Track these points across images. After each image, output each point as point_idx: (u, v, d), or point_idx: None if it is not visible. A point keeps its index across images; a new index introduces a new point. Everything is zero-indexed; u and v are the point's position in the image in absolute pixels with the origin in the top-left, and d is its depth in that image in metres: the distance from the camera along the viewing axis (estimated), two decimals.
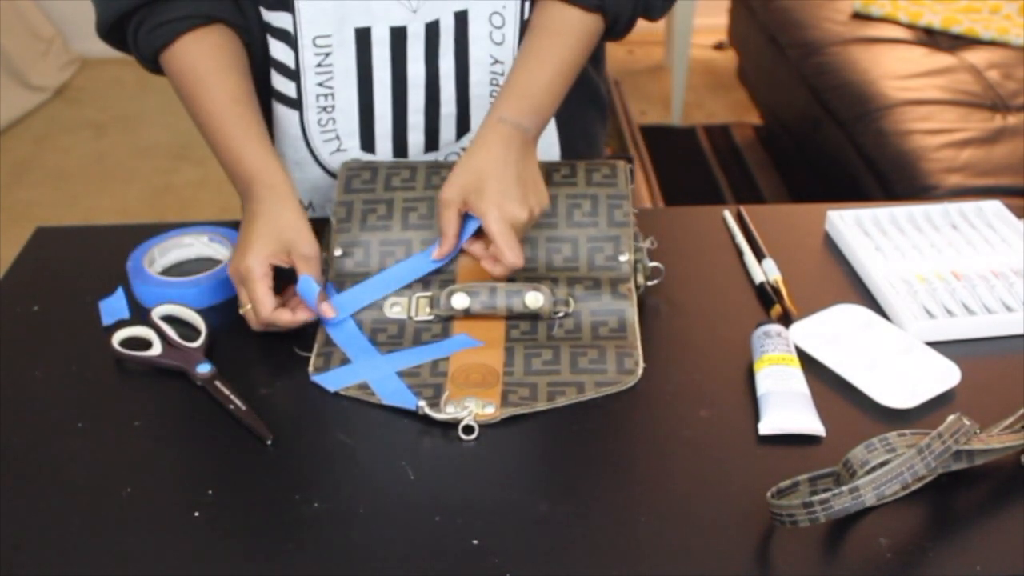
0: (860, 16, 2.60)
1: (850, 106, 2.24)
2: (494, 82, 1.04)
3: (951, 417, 0.73)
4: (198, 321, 0.93)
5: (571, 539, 0.73)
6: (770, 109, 2.88)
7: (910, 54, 2.41)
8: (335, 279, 0.95)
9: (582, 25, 0.97)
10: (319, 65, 0.99)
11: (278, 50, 1.01)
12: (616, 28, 1.00)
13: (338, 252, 0.96)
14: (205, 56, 0.96)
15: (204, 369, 0.88)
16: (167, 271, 1.03)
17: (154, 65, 0.99)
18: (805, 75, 2.46)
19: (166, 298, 0.96)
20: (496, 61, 1.03)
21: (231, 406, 0.84)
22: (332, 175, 1.07)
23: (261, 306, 0.88)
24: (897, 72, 2.30)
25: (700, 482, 0.78)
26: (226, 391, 0.85)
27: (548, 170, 1.01)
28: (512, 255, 0.89)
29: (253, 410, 0.83)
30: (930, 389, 0.85)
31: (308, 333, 0.92)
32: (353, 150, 1.05)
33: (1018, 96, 2.21)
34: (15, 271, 1.04)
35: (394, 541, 0.73)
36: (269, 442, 0.81)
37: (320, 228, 1.04)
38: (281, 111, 1.05)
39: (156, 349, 0.90)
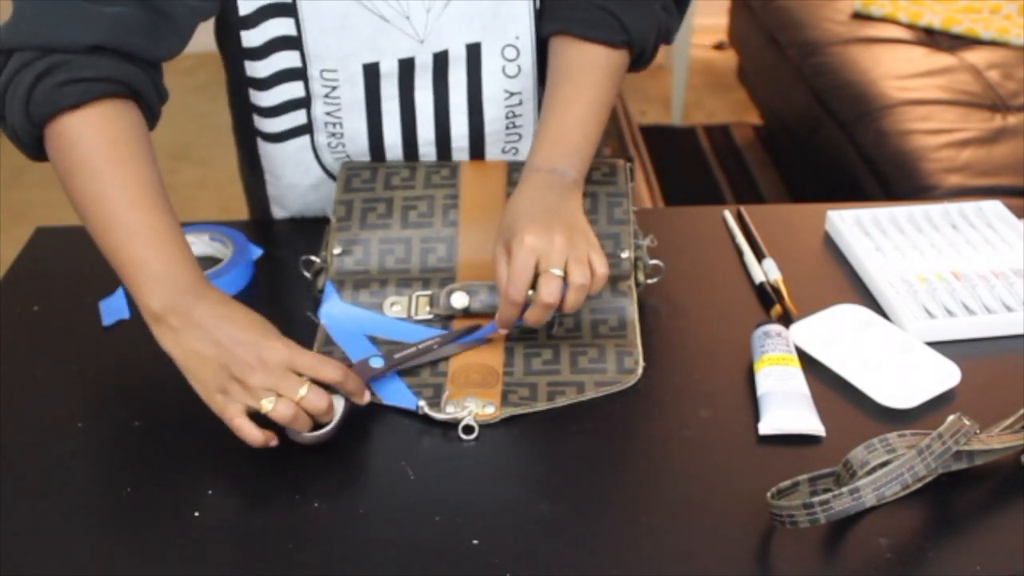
0: (860, 16, 2.59)
1: (850, 106, 2.23)
2: (510, 115, 1.02)
3: (951, 417, 0.73)
4: None
5: (571, 539, 0.73)
6: (770, 109, 2.88)
7: (910, 54, 2.41)
8: (335, 278, 0.95)
9: (608, 62, 0.94)
10: (327, 96, 0.99)
11: (287, 90, 1.00)
12: (642, 59, 0.97)
13: (338, 250, 0.96)
14: (126, 133, 0.82)
15: None
16: None
17: (32, 130, 0.82)
18: (805, 75, 2.46)
19: None
20: (511, 95, 1.01)
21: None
22: None
23: (320, 362, 0.78)
24: (897, 72, 2.29)
25: (700, 482, 0.78)
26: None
27: None
28: (514, 289, 0.81)
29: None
30: (930, 389, 0.85)
31: (309, 333, 0.92)
32: None
33: (1018, 96, 2.21)
34: (15, 271, 1.04)
35: (394, 541, 0.73)
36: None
37: (320, 228, 1.04)
38: (285, 146, 1.04)
39: None
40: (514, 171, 1.01)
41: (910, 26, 2.54)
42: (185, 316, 0.77)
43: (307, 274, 0.99)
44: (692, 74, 3.39)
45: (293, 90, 1.00)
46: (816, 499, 0.69)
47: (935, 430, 0.72)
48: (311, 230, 1.06)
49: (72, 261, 1.06)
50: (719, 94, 3.43)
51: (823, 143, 2.35)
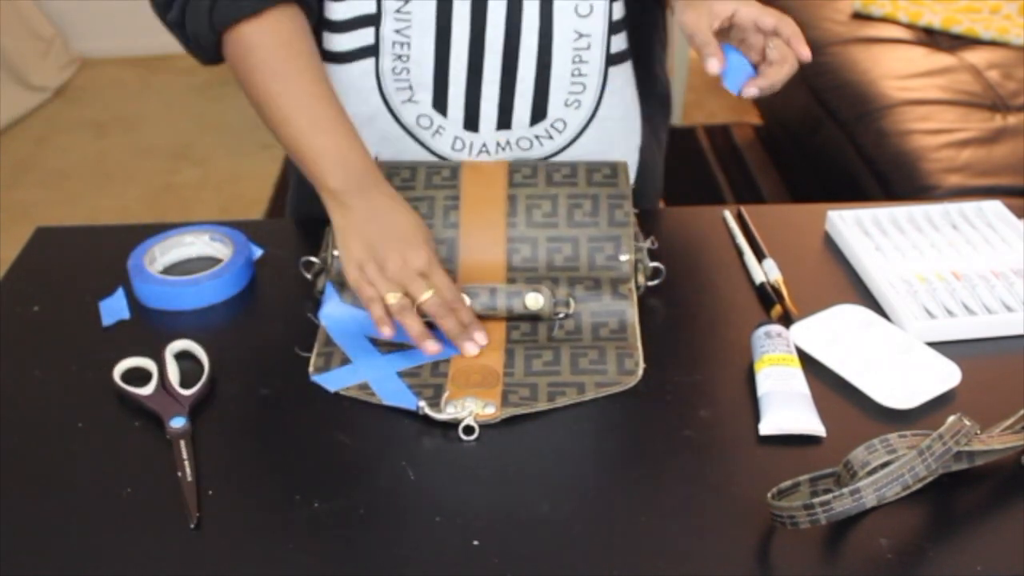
0: (860, 16, 2.59)
1: (850, 106, 2.23)
2: (576, 60, 1.02)
3: (951, 418, 0.73)
4: (204, 364, 0.89)
5: (571, 539, 0.73)
6: (770, 109, 2.88)
7: (910, 54, 2.41)
8: (336, 279, 0.95)
9: None
10: (398, 11, 0.99)
11: (354, 6, 1.00)
12: None
13: (337, 251, 0.96)
14: (297, 35, 0.93)
15: (178, 423, 0.82)
16: (168, 270, 1.03)
17: (212, 37, 0.93)
18: (805, 75, 2.45)
19: (166, 296, 0.96)
20: (581, 36, 1.01)
21: (178, 473, 0.78)
22: (402, 125, 1.06)
23: (451, 286, 0.89)
24: (897, 72, 2.29)
25: (700, 482, 0.78)
26: (184, 456, 0.79)
27: (549, 171, 1.01)
28: (789, 21, 0.91)
29: (196, 486, 0.77)
30: (930, 389, 0.85)
31: (309, 333, 0.92)
32: (424, 104, 1.04)
33: (1018, 96, 2.21)
34: (15, 271, 1.04)
35: (394, 541, 0.73)
36: (192, 525, 0.74)
37: (320, 228, 1.03)
38: (350, 69, 1.04)
39: (150, 388, 0.86)
40: (515, 172, 1.01)
41: (910, 26, 2.54)
42: (360, 197, 0.89)
43: (307, 275, 0.99)
44: (692, 74, 3.39)
45: (364, 5, 1.00)
46: (817, 500, 0.69)
47: (936, 431, 0.72)
48: (311, 230, 1.06)
49: (72, 261, 1.06)
50: (719, 94, 3.43)
51: (823, 143, 2.35)
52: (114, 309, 0.97)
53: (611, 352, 0.90)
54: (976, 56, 2.38)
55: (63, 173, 3.03)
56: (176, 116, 3.28)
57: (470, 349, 0.89)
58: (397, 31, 1.00)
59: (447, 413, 0.83)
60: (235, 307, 0.97)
